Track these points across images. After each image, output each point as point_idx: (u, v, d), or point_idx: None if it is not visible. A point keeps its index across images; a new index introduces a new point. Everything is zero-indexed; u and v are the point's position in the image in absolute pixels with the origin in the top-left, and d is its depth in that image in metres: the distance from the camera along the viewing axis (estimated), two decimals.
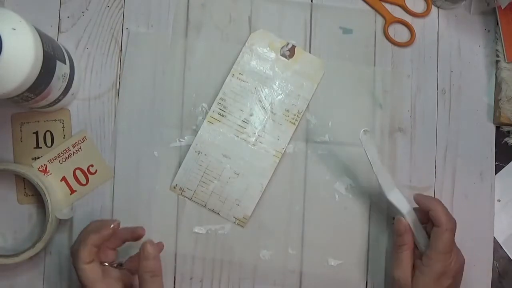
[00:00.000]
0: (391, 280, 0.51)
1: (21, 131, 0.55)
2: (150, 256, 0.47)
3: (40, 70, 0.44)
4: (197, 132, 0.55)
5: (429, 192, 0.56)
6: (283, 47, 0.57)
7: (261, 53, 0.56)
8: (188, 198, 0.55)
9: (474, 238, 0.56)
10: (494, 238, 0.56)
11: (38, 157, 0.55)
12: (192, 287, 0.55)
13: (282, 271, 0.55)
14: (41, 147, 0.55)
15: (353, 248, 0.56)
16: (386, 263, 0.55)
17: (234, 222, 0.55)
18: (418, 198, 0.51)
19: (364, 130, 0.49)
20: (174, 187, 0.55)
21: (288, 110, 0.56)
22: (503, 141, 0.57)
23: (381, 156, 0.51)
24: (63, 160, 0.55)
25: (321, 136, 0.56)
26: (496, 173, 0.57)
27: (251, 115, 0.56)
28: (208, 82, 0.56)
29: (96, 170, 0.55)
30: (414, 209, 0.51)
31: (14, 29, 0.42)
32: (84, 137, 0.55)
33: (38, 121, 0.55)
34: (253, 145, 0.55)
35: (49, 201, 0.52)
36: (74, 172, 0.55)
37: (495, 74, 0.58)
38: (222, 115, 0.56)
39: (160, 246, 0.51)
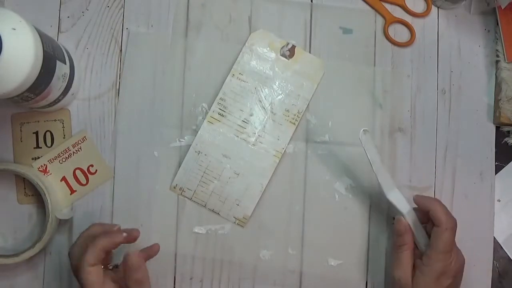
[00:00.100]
0: (391, 280, 0.51)
1: (21, 131, 0.55)
2: (133, 267, 0.46)
3: (40, 70, 0.44)
4: (197, 132, 0.55)
5: (429, 192, 0.56)
6: (283, 47, 0.57)
7: (261, 53, 0.56)
8: (188, 198, 0.55)
9: (474, 238, 0.56)
10: (494, 238, 0.56)
11: (38, 157, 0.55)
12: (192, 287, 0.55)
13: (282, 271, 0.55)
14: (41, 147, 0.55)
15: (353, 248, 0.56)
16: (386, 263, 0.55)
17: (234, 222, 0.55)
18: (417, 199, 0.51)
19: (363, 130, 0.49)
20: (174, 187, 0.55)
21: (288, 110, 0.56)
22: (503, 141, 0.57)
23: (381, 156, 0.51)
24: (63, 160, 0.55)
25: (321, 136, 0.56)
26: (496, 173, 0.57)
27: (251, 115, 0.56)
28: (208, 82, 0.56)
29: (96, 170, 0.55)
30: (414, 209, 0.51)
31: (14, 29, 0.42)
32: (84, 137, 0.55)
33: (38, 121, 0.55)
34: (253, 145, 0.55)
35: (49, 201, 0.52)
36: (74, 172, 0.55)
37: (495, 74, 0.58)
38: (222, 115, 0.56)
39: (154, 250, 0.51)
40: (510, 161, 0.58)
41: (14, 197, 0.55)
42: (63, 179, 0.55)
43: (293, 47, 0.57)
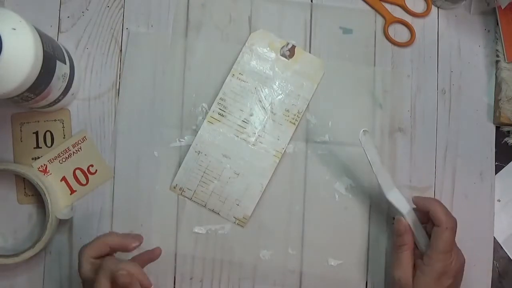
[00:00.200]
0: (391, 281, 0.51)
1: (21, 131, 0.55)
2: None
3: (40, 70, 0.44)
4: (197, 132, 0.55)
5: (429, 192, 0.56)
6: (283, 47, 0.57)
7: (261, 53, 0.56)
8: (188, 198, 0.55)
9: (474, 238, 0.56)
10: (494, 238, 0.56)
11: (38, 157, 0.55)
12: (192, 287, 0.55)
13: (282, 271, 0.55)
14: (41, 147, 0.55)
15: (353, 248, 0.56)
16: (386, 263, 0.55)
17: (234, 222, 0.55)
18: (416, 200, 0.51)
19: (363, 131, 0.49)
20: (174, 187, 0.55)
21: (288, 110, 0.56)
22: (503, 141, 0.57)
23: (381, 156, 0.51)
24: (63, 160, 0.55)
25: (321, 136, 0.56)
26: (496, 173, 0.57)
27: (251, 115, 0.56)
28: (208, 82, 0.56)
29: (96, 170, 0.55)
30: (414, 209, 0.51)
31: (14, 29, 0.42)
32: (84, 137, 0.55)
33: (38, 121, 0.55)
34: (253, 145, 0.55)
35: (49, 201, 0.52)
36: (74, 172, 0.55)
37: (495, 74, 0.58)
38: (222, 115, 0.56)
39: (155, 254, 0.50)
40: (510, 161, 0.58)
41: (14, 197, 0.55)
42: (63, 179, 0.55)
43: (293, 47, 0.57)
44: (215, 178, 0.55)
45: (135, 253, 0.50)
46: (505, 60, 0.57)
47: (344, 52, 0.57)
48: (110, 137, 0.56)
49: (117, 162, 0.56)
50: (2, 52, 0.40)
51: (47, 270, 0.55)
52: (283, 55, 0.57)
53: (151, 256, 0.50)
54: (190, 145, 0.55)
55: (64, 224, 0.55)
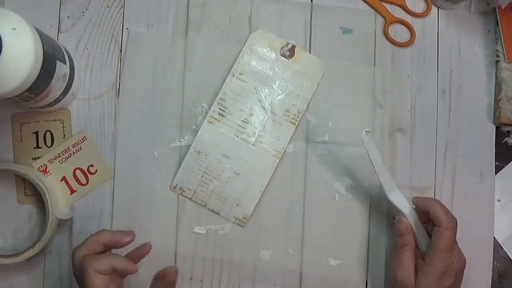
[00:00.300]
0: (392, 281, 0.50)
1: (21, 131, 0.55)
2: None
3: (40, 70, 0.44)
4: (197, 132, 0.55)
5: (429, 192, 0.56)
6: (283, 47, 0.57)
7: (261, 53, 0.56)
8: (188, 198, 0.55)
9: (474, 238, 0.56)
10: (494, 238, 0.56)
11: (38, 157, 0.55)
12: (192, 287, 0.55)
13: (282, 271, 0.55)
14: (41, 147, 0.55)
15: (353, 248, 0.56)
16: (386, 263, 0.55)
17: (234, 222, 0.55)
18: (416, 201, 0.51)
19: (366, 131, 0.49)
20: (174, 187, 0.55)
21: (288, 110, 0.56)
22: (503, 141, 0.57)
23: (382, 156, 0.51)
24: (63, 160, 0.55)
25: (321, 136, 0.56)
26: (496, 173, 0.57)
27: (251, 115, 0.56)
28: (208, 82, 0.56)
29: (96, 170, 0.55)
30: (414, 209, 0.51)
31: (14, 29, 0.42)
32: (84, 137, 0.55)
33: (38, 121, 0.55)
34: (253, 145, 0.55)
35: (49, 201, 0.52)
36: (74, 172, 0.55)
37: (495, 74, 0.58)
38: (222, 115, 0.56)
39: (146, 249, 0.50)
40: (510, 161, 0.58)
41: (14, 197, 0.55)
42: (63, 179, 0.55)
43: (293, 47, 0.57)
44: (215, 178, 0.55)
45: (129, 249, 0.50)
46: (505, 60, 0.57)
47: (344, 52, 0.57)
48: (110, 137, 0.56)
49: (117, 162, 0.56)
50: (2, 52, 0.40)
51: (47, 270, 0.55)
52: (283, 55, 0.57)
53: (143, 251, 0.50)
54: (190, 145, 0.55)
55: (64, 224, 0.55)
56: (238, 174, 0.55)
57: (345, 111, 0.57)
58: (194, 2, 0.57)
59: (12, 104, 0.52)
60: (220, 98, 0.56)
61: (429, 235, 0.50)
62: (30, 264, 0.54)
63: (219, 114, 0.56)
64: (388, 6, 0.58)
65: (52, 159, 0.55)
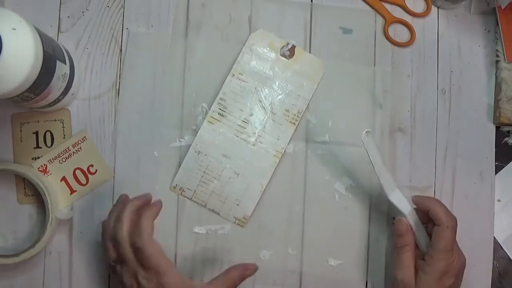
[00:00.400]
0: (392, 281, 0.50)
1: (21, 131, 0.55)
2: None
3: (40, 70, 0.44)
4: (197, 132, 0.55)
5: (429, 192, 0.56)
6: (283, 47, 0.57)
7: (261, 53, 0.56)
8: (188, 198, 0.55)
9: (474, 238, 0.56)
10: (494, 238, 0.56)
11: (38, 157, 0.55)
12: None
13: (282, 271, 0.55)
14: (41, 147, 0.55)
15: (353, 248, 0.56)
16: (386, 263, 0.55)
17: (234, 222, 0.55)
18: (416, 200, 0.51)
19: (366, 131, 0.49)
20: (174, 187, 0.55)
21: (288, 110, 0.56)
22: (503, 141, 0.57)
23: (382, 157, 0.51)
24: (63, 160, 0.55)
25: (321, 136, 0.56)
26: (496, 173, 0.57)
27: (251, 115, 0.56)
28: (208, 82, 0.56)
29: (96, 170, 0.55)
30: (415, 209, 0.51)
31: (14, 29, 0.42)
32: (84, 137, 0.55)
33: (38, 121, 0.55)
34: (253, 145, 0.55)
35: (49, 201, 0.52)
36: (74, 172, 0.55)
37: (495, 74, 0.58)
38: (222, 115, 0.56)
39: (150, 197, 0.50)
40: (510, 161, 0.58)
41: (14, 197, 0.55)
42: (63, 179, 0.55)
43: (293, 47, 0.57)
44: (215, 178, 0.55)
45: None
46: (505, 60, 0.57)
47: (344, 52, 0.57)
48: (110, 137, 0.56)
49: (117, 162, 0.56)
50: (2, 52, 0.40)
51: (47, 270, 0.55)
52: (283, 55, 0.57)
53: (148, 199, 0.50)
54: (190, 145, 0.55)
55: (64, 224, 0.55)
56: (238, 174, 0.55)
57: (345, 111, 0.57)
58: (194, 2, 0.57)
59: (12, 104, 0.52)
60: (220, 98, 0.56)
61: (429, 235, 0.50)
62: (30, 264, 0.54)
63: (219, 114, 0.56)
64: (388, 6, 0.58)
65: (52, 159, 0.55)
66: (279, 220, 0.56)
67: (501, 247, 0.56)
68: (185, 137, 0.56)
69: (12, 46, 0.41)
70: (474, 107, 0.58)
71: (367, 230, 0.56)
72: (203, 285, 0.47)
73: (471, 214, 0.56)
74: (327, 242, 0.55)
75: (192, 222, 0.55)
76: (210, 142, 0.55)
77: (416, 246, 0.50)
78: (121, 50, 0.57)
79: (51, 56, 0.46)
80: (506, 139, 0.57)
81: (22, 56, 0.42)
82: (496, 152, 0.57)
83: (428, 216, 0.49)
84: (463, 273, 0.50)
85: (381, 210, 0.56)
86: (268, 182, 0.55)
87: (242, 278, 0.48)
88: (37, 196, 0.54)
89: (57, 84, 0.49)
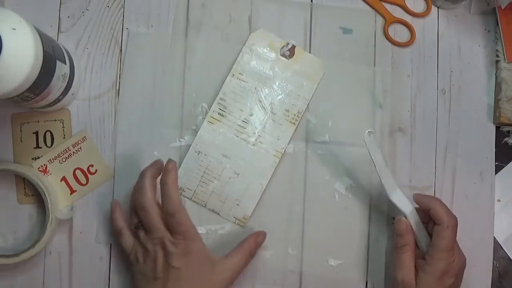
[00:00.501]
0: (392, 282, 0.50)
1: (21, 131, 0.55)
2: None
3: (40, 70, 0.44)
4: (197, 132, 0.55)
5: (429, 192, 0.56)
6: (283, 47, 0.57)
7: (261, 53, 0.56)
8: (188, 198, 0.55)
9: (474, 238, 0.56)
10: (494, 238, 0.56)
11: (38, 157, 0.55)
12: None
13: (282, 271, 0.55)
14: (41, 147, 0.55)
15: (353, 248, 0.56)
16: (386, 263, 0.55)
17: (234, 222, 0.55)
18: (417, 198, 0.51)
19: (368, 131, 0.49)
20: None
21: (288, 110, 0.56)
22: (503, 141, 0.57)
23: (384, 157, 0.51)
24: (63, 160, 0.55)
25: (321, 136, 0.56)
26: (496, 173, 0.57)
27: (251, 115, 0.56)
28: (208, 82, 0.56)
29: (96, 170, 0.55)
30: (416, 209, 0.51)
31: (14, 29, 0.42)
32: (84, 137, 0.55)
33: (38, 121, 0.55)
34: (253, 145, 0.55)
35: (49, 201, 0.52)
36: (74, 172, 0.55)
37: (495, 74, 0.58)
38: (222, 115, 0.56)
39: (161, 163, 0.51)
40: (510, 161, 0.58)
41: (14, 197, 0.55)
42: (63, 179, 0.55)
43: (293, 47, 0.57)
44: (215, 178, 0.55)
45: None
46: (505, 60, 0.57)
47: (344, 52, 0.57)
48: (110, 137, 0.56)
49: (117, 162, 0.56)
50: (2, 52, 0.40)
51: (47, 270, 0.55)
52: (283, 55, 0.57)
53: (160, 165, 0.51)
54: (190, 145, 0.55)
55: (64, 224, 0.55)
56: (238, 174, 0.55)
57: (345, 111, 0.57)
58: (194, 2, 0.57)
59: (12, 104, 0.52)
60: (220, 98, 0.56)
61: (430, 234, 0.50)
62: (30, 264, 0.54)
63: (219, 114, 0.56)
64: (388, 6, 0.58)
65: (52, 159, 0.55)
66: (279, 220, 0.56)
67: (501, 247, 0.57)
68: (185, 137, 0.56)
69: (12, 46, 0.41)
70: (474, 107, 0.58)
71: (367, 230, 0.56)
72: (221, 258, 0.50)
73: (471, 214, 0.56)
74: (327, 242, 0.55)
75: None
76: (210, 142, 0.55)
77: (416, 245, 0.51)
78: (121, 50, 0.57)
79: (51, 56, 0.46)
80: (506, 139, 0.57)
81: (22, 56, 0.42)
82: (496, 152, 0.57)
83: (429, 216, 0.50)
84: (463, 272, 0.50)
85: (381, 210, 0.56)
86: (268, 182, 0.55)
87: (257, 245, 0.52)
88: (37, 196, 0.54)
89: (57, 84, 0.49)
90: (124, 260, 0.54)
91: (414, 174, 0.57)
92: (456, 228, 0.49)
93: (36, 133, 0.55)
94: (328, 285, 0.55)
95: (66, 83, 0.51)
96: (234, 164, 0.55)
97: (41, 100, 0.49)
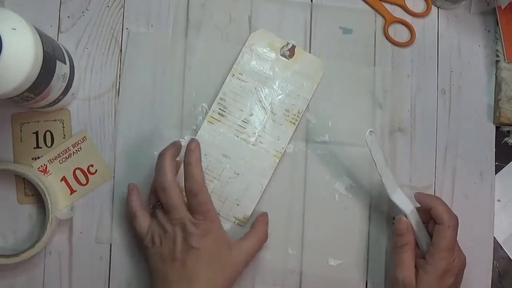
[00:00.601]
0: (392, 281, 0.50)
1: (21, 131, 0.55)
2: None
3: (40, 70, 0.44)
4: (197, 132, 0.55)
5: (429, 191, 0.56)
6: (283, 47, 0.57)
7: (261, 53, 0.56)
8: None
9: (474, 238, 0.56)
10: (494, 238, 0.56)
11: (38, 157, 0.55)
12: None
13: (282, 271, 0.55)
14: (41, 147, 0.55)
15: (353, 248, 0.56)
16: (386, 263, 0.55)
17: (234, 222, 0.55)
18: (419, 197, 0.51)
19: (370, 131, 0.49)
20: None
21: (288, 110, 0.56)
22: (503, 141, 0.57)
23: (385, 157, 0.51)
24: (63, 160, 0.55)
25: (321, 136, 0.56)
26: (496, 173, 0.57)
27: (251, 115, 0.56)
28: (208, 82, 0.56)
29: (96, 170, 0.55)
30: (416, 208, 0.51)
31: (14, 29, 0.42)
32: (84, 137, 0.55)
33: (38, 121, 0.55)
34: (253, 145, 0.55)
35: (49, 201, 0.52)
36: (74, 172, 0.55)
37: (495, 74, 0.58)
38: (222, 115, 0.56)
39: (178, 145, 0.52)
40: (510, 161, 0.58)
41: (14, 197, 0.55)
42: (63, 179, 0.55)
43: (293, 47, 0.57)
44: (215, 178, 0.55)
45: None
46: (505, 60, 0.57)
47: (344, 52, 0.57)
48: (110, 137, 0.56)
49: (117, 162, 0.56)
50: (2, 52, 0.40)
51: (47, 270, 0.55)
52: (283, 55, 0.57)
53: (178, 145, 0.52)
54: None
55: (64, 224, 0.55)
56: (238, 174, 0.55)
57: (345, 111, 0.57)
58: (194, 2, 0.57)
59: (12, 104, 0.52)
60: (220, 98, 0.56)
61: (430, 234, 0.50)
62: (30, 264, 0.54)
63: (219, 114, 0.56)
64: (388, 6, 0.58)
65: (52, 159, 0.55)
66: (279, 220, 0.56)
67: (501, 247, 0.57)
68: (185, 137, 0.56)
69: (12, 46, 0.41)
70: (474, 107, 0.58)
71: (367, 230, 0.56)
72: (237, 241, 0.50)
73: (471, 214, 0.56)
74: (327, 242, 0.55)
75: None
76: (210, 142, 0.55)
77: (417, 245, 0.51)
78: (121, 50, 0.57)
79: (51, 56, 0.46)
80: (506, 139, 0.57)
81: (22, 56, 0.42)
82: (496, 152, 0.57)
83: (430, 215, 0.50)
84: (463, 272, 0.50)
85: (381, 210, 0.56)
86: (268, 182, 0.55)
87: (267, 226, 0.53)
88: (37, 196, 0.54)
89: (57, 84, 0.49)
90: (125, 259, 0.54)
91: (414, 174, 0.57)
92: (457, 228, 0.49)
93: (36, 133, 0.55)
94: (328, 285, 0.55)
95: (66, 83, 0.51)
96: (234, 164, 0.55)
97: (41, 100, 0.49)
